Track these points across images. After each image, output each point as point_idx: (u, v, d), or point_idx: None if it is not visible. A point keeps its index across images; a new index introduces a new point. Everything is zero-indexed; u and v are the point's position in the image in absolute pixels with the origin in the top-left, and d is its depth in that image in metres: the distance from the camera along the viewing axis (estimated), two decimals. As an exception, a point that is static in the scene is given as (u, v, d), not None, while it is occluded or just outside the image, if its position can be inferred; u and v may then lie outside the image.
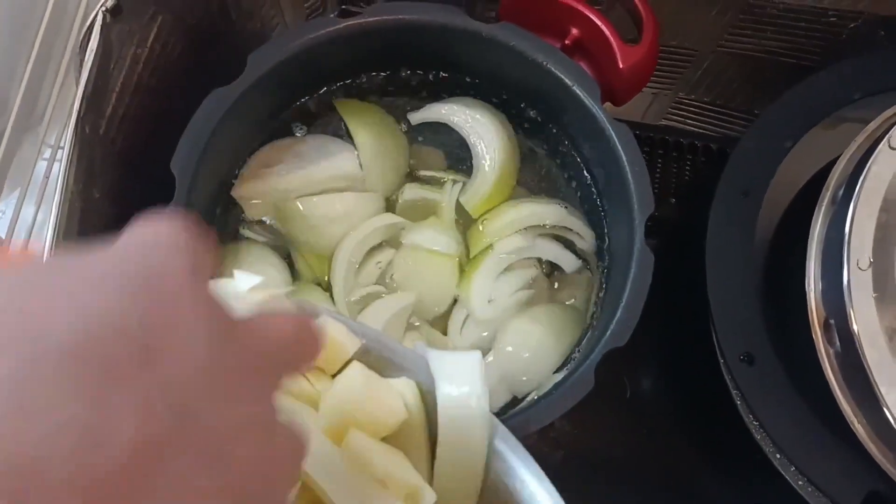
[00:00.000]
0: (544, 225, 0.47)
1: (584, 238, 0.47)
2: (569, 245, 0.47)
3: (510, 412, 0.39)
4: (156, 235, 0.17)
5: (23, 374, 0.13)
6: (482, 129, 0.48)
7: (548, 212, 0.47)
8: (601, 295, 0.45)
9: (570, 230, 0.47)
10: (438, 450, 0.29)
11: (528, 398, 0.43)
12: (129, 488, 0.13)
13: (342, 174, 0.47)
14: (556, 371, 0.43)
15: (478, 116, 0.48)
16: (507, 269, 0.45)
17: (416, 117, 0.49)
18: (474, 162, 0.48)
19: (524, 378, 0.43)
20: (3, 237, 0.42)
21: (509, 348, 0.43)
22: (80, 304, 0.15)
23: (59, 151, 0.42)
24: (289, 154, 0.47)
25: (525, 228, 0.46)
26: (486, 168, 0.47)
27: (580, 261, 0.46)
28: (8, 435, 0.13)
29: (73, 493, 0.13)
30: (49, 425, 0.13)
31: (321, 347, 0.20)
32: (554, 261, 0.46)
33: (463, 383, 0.29)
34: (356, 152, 0.47)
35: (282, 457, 0.18)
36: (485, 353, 0.44)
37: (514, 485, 0.28)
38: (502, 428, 0.29)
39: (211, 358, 0.16)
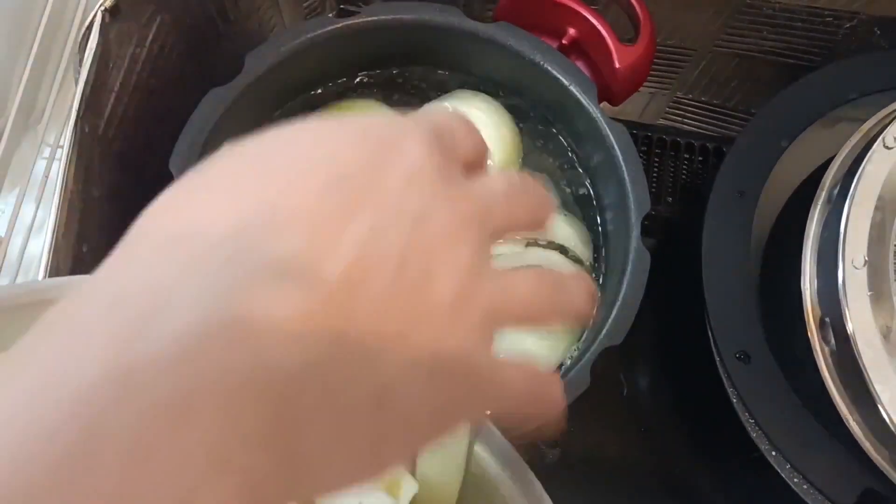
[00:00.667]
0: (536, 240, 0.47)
1: (579, 247, 0.46)
2: (562, 250, 0.47)
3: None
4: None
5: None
6: (482, 122, 0.47)
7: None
8: (598, 295, 0.45)
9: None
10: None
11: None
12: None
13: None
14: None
15: (477, 110, 0.47)
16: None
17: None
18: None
19: None
20: (3, 236, 0.42)
21: (500, 354, 0.43)
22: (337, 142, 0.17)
23: (59, 150, 0.43)
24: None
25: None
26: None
27: (575, 265, 0.46)
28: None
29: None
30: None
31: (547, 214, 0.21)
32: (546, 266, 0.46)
33: None
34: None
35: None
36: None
37: (495, 479, 0.28)
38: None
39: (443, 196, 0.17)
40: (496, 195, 0.19)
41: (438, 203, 0.17)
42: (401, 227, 0.16)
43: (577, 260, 0.46)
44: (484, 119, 0.47)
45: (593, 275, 0.46)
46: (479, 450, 0.29)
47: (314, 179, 0.16)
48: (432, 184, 0.17)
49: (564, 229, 0.47)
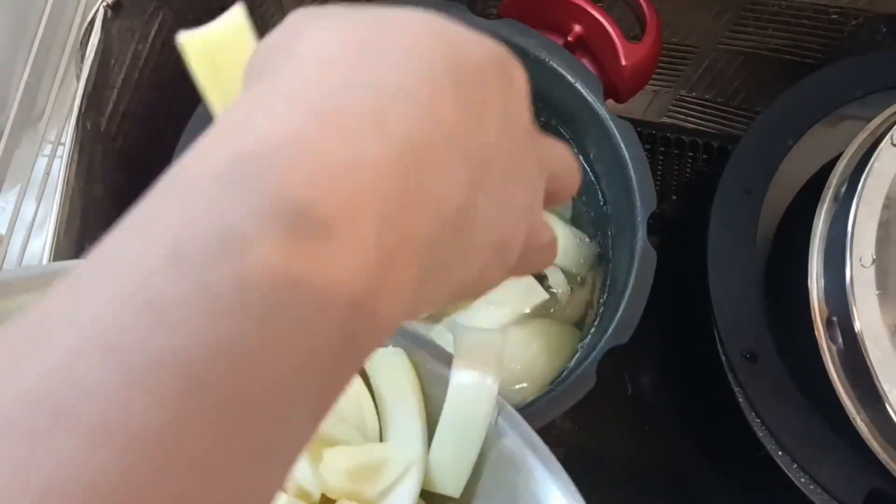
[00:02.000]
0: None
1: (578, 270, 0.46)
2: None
3: (516, 404, 0.39)
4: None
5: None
6: None
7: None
8: (603, 298, 0.45)
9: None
10: (441, 422, 0.30)
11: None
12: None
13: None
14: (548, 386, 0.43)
15: None
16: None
17: None
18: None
19: (514, 387, 0.43)
20: (4, 234, 0.42)
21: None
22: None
23: (60, 148, 0.42)
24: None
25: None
26: None
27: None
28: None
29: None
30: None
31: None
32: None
33: (481, 363, 0.29)
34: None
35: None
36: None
37: (518, 461, 0.29)
38: (510, 409, 0.29)
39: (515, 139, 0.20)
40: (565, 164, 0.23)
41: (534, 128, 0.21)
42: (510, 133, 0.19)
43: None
44: None
45: (602, 274, 0.46)
46: (506, 434, 0.29)
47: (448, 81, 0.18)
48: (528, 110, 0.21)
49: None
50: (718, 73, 0.59)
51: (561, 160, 0.23)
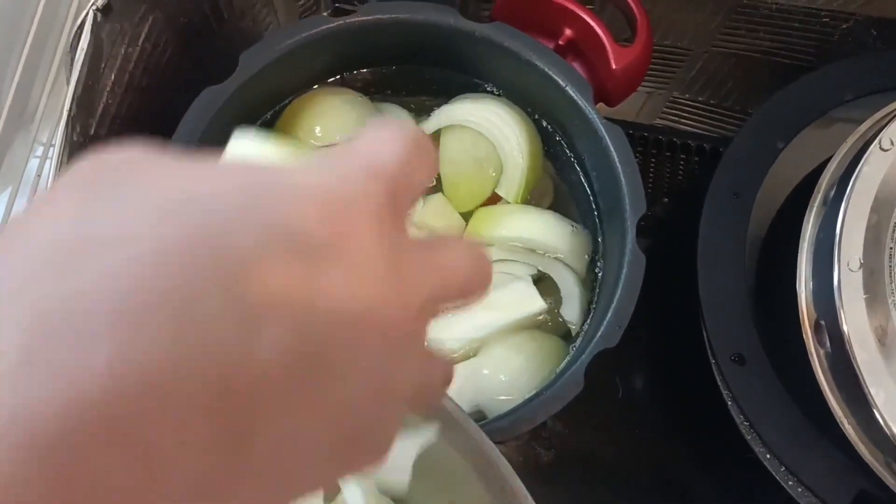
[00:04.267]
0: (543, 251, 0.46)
1: (575, 266, 0.46)
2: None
3: (500, 413, 0.39)
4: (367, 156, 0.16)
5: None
6: (502, 123, 0.46)
7: (553, 238, 0.46)
8: (594, 303, 0.45)
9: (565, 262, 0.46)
10: None
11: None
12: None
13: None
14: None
15: (498, 118, 0.46)
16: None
17: (430, 125, 0.47)
18: (502, 154, 0.47)
19: (492, 397, 0.42)
20: (-6, 236, 0.42)
21: (486, 371, 0.42)
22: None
23: (51, 149, 0.42)
24: (281, 153, 0.47)
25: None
26: (516, 154, 0.46)
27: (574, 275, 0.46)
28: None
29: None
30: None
31: (487, 286, 0.19)
32: (544, 270, 0.46)
33: None
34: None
35: (436, 380, 0.19)
36: (467, 357, 0.43)
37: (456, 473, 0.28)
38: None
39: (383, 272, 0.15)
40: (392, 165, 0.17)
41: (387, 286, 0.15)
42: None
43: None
44: (507, 131, 0.46)
45: (592, 279, 0.46)
46: (441, 446, 0.28)
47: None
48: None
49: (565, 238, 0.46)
50: (710, 76, 0.60)
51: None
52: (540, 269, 0.45)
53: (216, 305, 0.13)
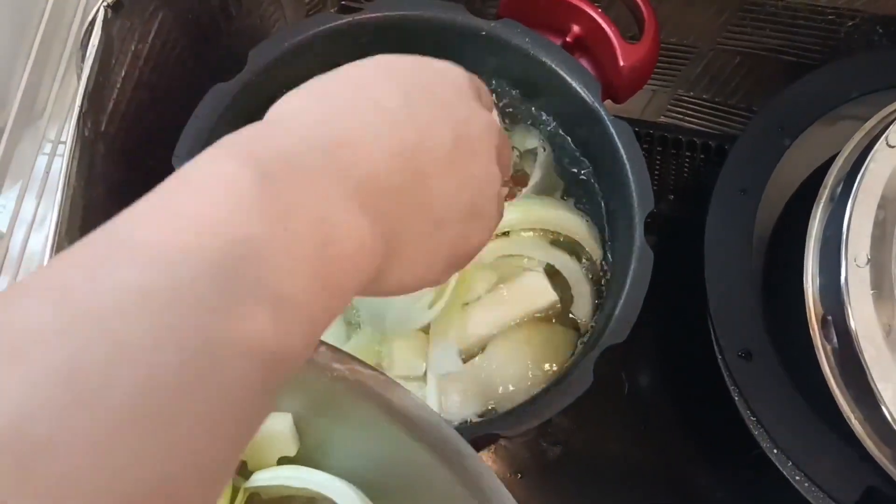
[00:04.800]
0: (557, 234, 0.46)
1: (592, 253, 0.46)
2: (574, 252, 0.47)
3: (508, 410, 0.39)
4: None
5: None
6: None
7: (565, 220, 0.46)
8: (603, 299, 0.45)
9: (581, 246, 0.46)
10: None
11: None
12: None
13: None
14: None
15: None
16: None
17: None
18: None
19: (501, 391, 0.43)
20: (4, 231, 0.42)
21: (496, 364, 0.43)
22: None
23: (60, 146, 0.42)
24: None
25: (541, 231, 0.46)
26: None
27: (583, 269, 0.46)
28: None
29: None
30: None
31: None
32: (559, 268, 0.46)
33: None
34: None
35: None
36: (473, 356, 0.43)
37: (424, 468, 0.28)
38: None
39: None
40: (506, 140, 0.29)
41: (476, 113, 0.26)
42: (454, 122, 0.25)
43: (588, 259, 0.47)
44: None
45: (600, 272, 0.46)
46: (403, 441, 0.28)
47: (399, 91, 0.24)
48: (472, 100, 0.26)
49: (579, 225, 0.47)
50: (716, 73, 0.60)
51: (504, 147, 0.28)
52: (550, 262, 0.45)
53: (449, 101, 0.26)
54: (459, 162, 0.24)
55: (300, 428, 0.32)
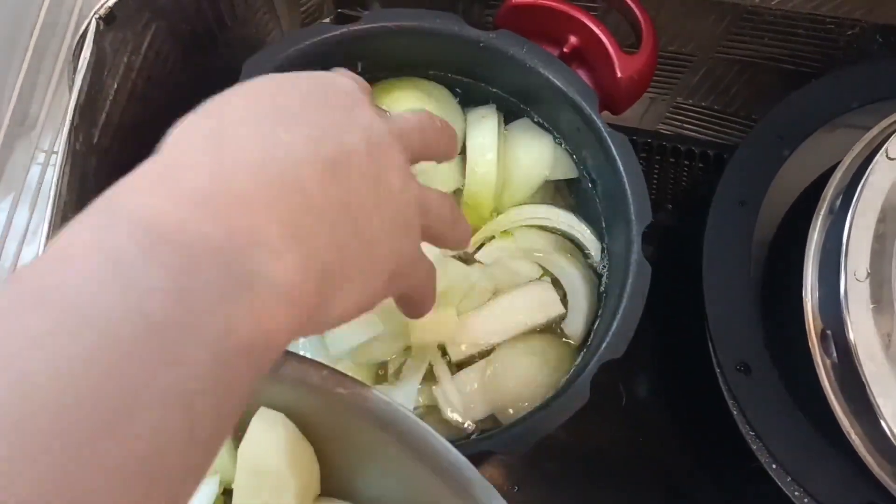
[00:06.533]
0: (555, 230, 0.46)
1: (592, 252, 0.46)
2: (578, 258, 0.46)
3: (503, 426, 0.39)
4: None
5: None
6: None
7: (562, 216, 0.47)
8: (600, 312, 0.44)
9: (581, 242, 0.46)
10: None
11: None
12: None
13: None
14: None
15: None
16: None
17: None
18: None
19: (509, 405, 0.42)
20: (-4, 244, 0.42)
21: (497, 374, 0.42)
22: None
23: (53, 157, 0.42)
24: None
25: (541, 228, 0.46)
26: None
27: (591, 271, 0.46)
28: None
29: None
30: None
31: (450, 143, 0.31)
32: (551, 270, 0.46)
33: None
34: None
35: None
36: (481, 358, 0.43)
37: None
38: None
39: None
40: (411, 125, 0.28)
41: (374, 117, 0.26)
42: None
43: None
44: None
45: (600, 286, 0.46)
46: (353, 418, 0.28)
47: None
48: (367, 104, 0.26)
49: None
50: (715, 82, 0.59)
51: (440, 209, 0.28)
52: (547, 269, 0.45)
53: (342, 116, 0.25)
54: (375, 171, 0.24)
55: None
